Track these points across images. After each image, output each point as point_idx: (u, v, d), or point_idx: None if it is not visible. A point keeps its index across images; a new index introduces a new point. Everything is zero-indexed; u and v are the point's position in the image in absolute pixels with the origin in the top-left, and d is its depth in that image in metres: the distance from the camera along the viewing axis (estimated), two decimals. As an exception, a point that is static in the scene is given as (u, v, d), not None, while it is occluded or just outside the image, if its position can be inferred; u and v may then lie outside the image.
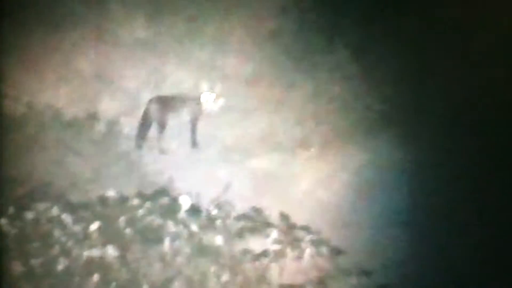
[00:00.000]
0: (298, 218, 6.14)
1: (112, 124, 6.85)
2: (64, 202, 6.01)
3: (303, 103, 7.15)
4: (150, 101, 6.93)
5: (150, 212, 5.96)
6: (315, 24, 7.43)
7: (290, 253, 5.92)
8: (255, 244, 5.94)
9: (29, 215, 5.84)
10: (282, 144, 6.91)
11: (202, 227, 5.95)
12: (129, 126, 6.90)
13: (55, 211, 5.88)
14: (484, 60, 7.09)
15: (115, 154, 6.69)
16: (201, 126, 7.00)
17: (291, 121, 7.05)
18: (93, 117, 6.83)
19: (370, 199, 6.51)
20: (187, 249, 5.83)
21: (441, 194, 6.46)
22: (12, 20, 6.90)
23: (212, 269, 5.77)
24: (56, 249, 5.72)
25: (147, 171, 6.61)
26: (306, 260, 5.92)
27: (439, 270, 5.99)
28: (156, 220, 5.93)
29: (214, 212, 6.08)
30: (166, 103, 6.92)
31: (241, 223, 6.03)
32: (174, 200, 6.07)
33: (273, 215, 6.12)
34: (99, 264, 5.69)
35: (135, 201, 6.01)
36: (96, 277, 5.64)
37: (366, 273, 5.91)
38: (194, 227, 5.91)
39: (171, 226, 5.88)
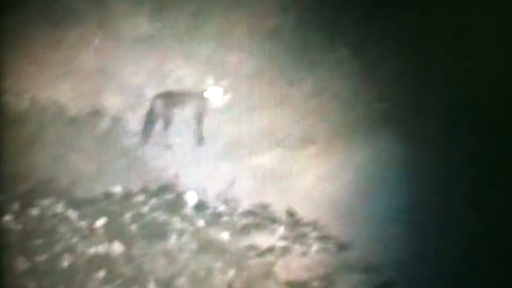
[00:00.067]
0: (303, 214, 6.15)
1: (116, 120, 6.84)
2: (68, 198, 6.02)
3: (304, 100, 7.14)
4: (155, 97, 6.90)
5: (155, 208, 5.97)
6: (314, 23, 7.44)
7: (296, 249, 5.91)
8: (261, 240, 5.94)
9: (34, 211, 5.85)
10: (286, 141, 6.89)
11: (207, 223, 5.94)
12: (133, 122, 6.88)
13: (59, 207, 5.89)
14: (484, 58, 7.09)
15: (119, 150, 6.68)
16: (206, 121, 6.97)
17: (294, 118, 7.03)
18: (96, 113, 6.83)
19: (374, 195, 6.49)
20: (192, 245, 5.83)
21: (446, 191, 6.45)
22: (15, 15, 6.92)
23: (218, 265, 5.75)
24: (60, 246, 5.73)
25: (152, 167, 6.59)
26: (312, 256, 5.91)
27: (444, 266, 5.97)
28: (161, 216, 5.93)
29: (220, 208, 6.07)
30: (171, 99, 6.89)
31: (247, 219, 6.03)
32: (179, 196, 6.07)
33: (278, 211, 6.12)
34: (104, 260, 5.69)
35: (140, 197, 6.03)
36: (101, 273, 5.63)
37: (372, 268, 5.92)
38: (199, 223, 5.90)
39: (176, 222, 5.88)
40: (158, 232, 5.83)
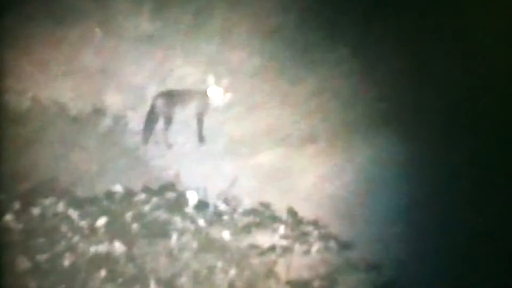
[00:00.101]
0: (305, 212, 6.14)
1: (118, 119, 6.84)
2: (70, 197, 5.99)
3: (306, 98, 7.15)
4: (157, 95, 6.89)
5: (156, 207, 5.95)
6: (315, 22, 7.46)
7: (297, 248, 5.91)
8: (262, 239, 5.93)
9: (35, 210, 5.82)
10: (287, 139, 6.89)
11: (209, 222, 5.93)
12: (135, 120, 6.88)
13: (61, 206, 5.86)
14: (484, 58, 7.14)
15: (121, 149, 6.69)
16: (207, 120, 6.96)
17: (295, 116, 7.04)
18: (98, 111, 6.83)
19: (375, 194, 6.50)
20: (194, 244, 5.81)
21: (446, 191, 6.45)
22: (17, 14, 6.94)
23: (219, 264, 5.75)
24: (62, 245, 5.70)
25: (154, 165, 6.60)
26: (314, 255, 5.91)
27: (444, 266, 5.97)
28: (162, 215, 5.91)
29: (221, 207, 6.06)
30: (172, 97, 6.88)
31: (248, 218, 6.02)
32: (181, 195, 6.05)
33: (280, 210, 6.10)
34: (106, 260, 5.67)
35: (142, 196, 6.00)
36: (102, 272, 5.61)
37: (374, 267, 5.91)
38: (201, 222, 5.90)
39: (177, 221, 5.87)
40: (160, 231, 5.82)
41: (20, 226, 5.76)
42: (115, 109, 6.89)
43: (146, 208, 5.93)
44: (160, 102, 6.83)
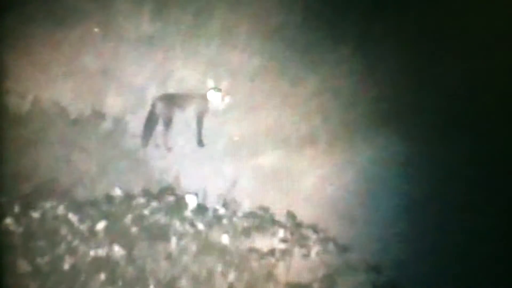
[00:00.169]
0: (305, 215, 6.15)
1: (118, 121, 6.82)
2: (70, 200, 5.99)
3: (306, 99, 7.14)
4: (156, 98, 6.88)
5: (156, 210, 5.96)
6: (315, 22, 7.45)
7: (297, 251, 5.92)
8: (262, 242, 5.94)
9: (35, 213, 5.83)
10: (288, 140, 6.89)
11: (208, 225, 5.94)
12: (135, 123, 6.86)
13: (61, 209, 5.87)
14: (484, 58, 7.16)
15: (121, 151, 6.67)
16: (207, 122, 6.96)
17: (295, 117, 7.04)
18: (98, 113, 6.80)
19: (377, 193, 6.53)
20: (193, 247, 5.82)
21: (446, 191, 6.48)
22: (17, 15, 6.92)
23: (219, 267, 5.76)
24: (62, 248, 5.71)
25: (153, 168, 6.60)
26: (313, 258, 5.92)
27: (446, 266, 6.00)
28: (162, 218, 5.92)
29: (220, 210, 6.08)
30: (172, 100, 6.89)
31: (248, 221, 6.03)
32: (180, 198, 6.06)
33: (279, 213, 6.11)
34: (106, 262, 5.68)
35: (141, 200, 6.01)
36: (102, 275, 5.63)
37: (374, 269, 5.93)
38: (200, 226, 5.91)
39: (177, 225, 5.88)
40: (159, 234, 5.83)
41: (20, 229, 5.76)
42: (115, 111, 6.86)
43: (146, 211, 5.94)
44: (159, 105, 6.83)
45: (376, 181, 6.60)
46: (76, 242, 5.74)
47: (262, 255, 5.85)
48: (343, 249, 6.00)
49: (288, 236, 5.97)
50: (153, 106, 6.84)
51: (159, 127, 6.86)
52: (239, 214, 6.08)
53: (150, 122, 6.85)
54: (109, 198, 6.01)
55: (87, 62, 7.07)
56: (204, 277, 5.72)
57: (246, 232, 5.95)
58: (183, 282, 5.70)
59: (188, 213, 5.97)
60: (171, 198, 6.05)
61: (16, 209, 5.81)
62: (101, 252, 5.71)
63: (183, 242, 5.82)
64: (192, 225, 5.90)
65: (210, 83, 6.89)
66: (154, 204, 5.98)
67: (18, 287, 5.59)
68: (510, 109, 6.89)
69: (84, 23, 7.20)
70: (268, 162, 6.75)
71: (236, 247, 5.88)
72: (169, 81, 7.13)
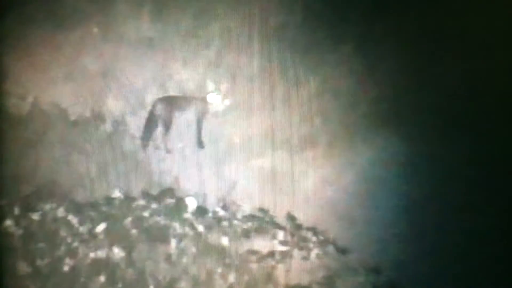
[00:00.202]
0: (305, 217, 6.15)
1: (118, 123, 6.81)
2: (69, 202, 6.01)
3: (307, 100, 7.11)
4: (156, 100, 6.88)
5: (156, 212, 5.97)
6: (316, 23, 7.42)
7: (296, 253, 5.93)
8: (262, 244, 5.95)
9: (35, 215, 5.84)
10: (288, 142, 6.87)
11: (208, 227, 5.95)
12: (135, 125, 6.85)
13: (60, 211, 5.89)
14: (484, 58, 7.09)
15: (121, 153, 6.66)
16: (207, 125, 6.95)
17: (295, 118, 7.02)
18: (98, 115, 6.80)
19: (376, 194, 6.51)
20: (193, 249, 5.84)
21: (446, 191, 6.46)
22: (16, 17, 6.89)
23: (218, 269, 5.77)
24: (62, 250, 5.74)
25: (153, 170, 6.59)
26: (313, 260, 5.93)
27: (446, 266, 6.01)
28: (162, 220, 5.93)
29: (220, 212, 6.08)
30: (172, 102, 6.88)
31: (247, 224, 6.03)
32: (180, 200, 6.07)
33: (279, 215, 6.12)
34: (105, 264, 5.71)
35: (141, 201, 6.02)
36: (102, 277, 5.66)
37: (373, 269, 5.94)
38: (200, 228, 5.92)
39: (177, 227, 5.89)
40: (159, 236, 5.85)
41: (20, 231, 5.79)
42: (115, 113, 6.84)
43: (146, 213, 5.95)
44: (159, 107, 6.83)
45: (375, 181, 6.58)
46: (76, 244, 5.76)
47: (261, 257, 5.87)
48: (342, 250, 6.01)
49: (288, 238, 5.98)
50: (153, 107, 6.85)
51: (159, 129, 6.86)
52: (239, 216, 6.09)
53: (150, 124, 6.85)
54: (109, 200, 6.03)
55: (87, 63, 7.05)
56: (203, 279, 5.75)
57: (246, 234, 5.97)
58: (183, 284, 5.72)
59: (188, 215, 5.98)
60: (171, 200, 6.06)
61: (16, 211, 5.83)
62: (101, 254, 5.73)
63: (182, 244, 5.84)
64: (192, 227, 5.91)
65: (210, 84, 6.90)
66: (154, 206, 6.00)
67: (18, 289, 5.62)
68: (510, 109, 6.87)
69: (84, 24, 7.17)
70: (268, 163, 6.74)
71: (236, 249, 5.89)
72: (168, 83, 7.11)
